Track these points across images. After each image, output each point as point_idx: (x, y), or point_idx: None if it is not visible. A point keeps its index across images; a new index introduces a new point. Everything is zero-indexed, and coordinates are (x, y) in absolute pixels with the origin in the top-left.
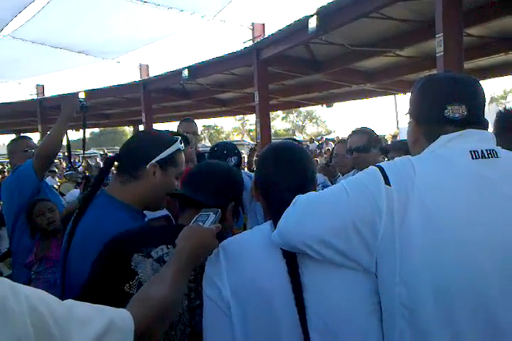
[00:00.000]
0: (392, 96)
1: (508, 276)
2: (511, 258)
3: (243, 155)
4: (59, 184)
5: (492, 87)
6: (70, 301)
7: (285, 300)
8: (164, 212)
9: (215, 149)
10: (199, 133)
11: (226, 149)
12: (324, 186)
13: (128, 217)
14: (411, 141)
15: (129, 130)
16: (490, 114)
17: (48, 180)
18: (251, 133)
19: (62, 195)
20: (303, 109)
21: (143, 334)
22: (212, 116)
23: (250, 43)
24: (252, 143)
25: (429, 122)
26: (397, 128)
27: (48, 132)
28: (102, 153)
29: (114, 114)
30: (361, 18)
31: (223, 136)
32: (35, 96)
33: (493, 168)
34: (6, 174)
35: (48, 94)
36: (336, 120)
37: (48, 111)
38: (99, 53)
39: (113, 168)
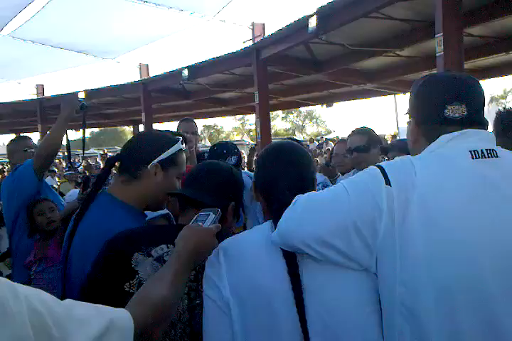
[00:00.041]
0: (392, 96)
1: (509, 276)
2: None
3: (243, 155)
4: (58, 184)
5: (492, 87)
6: (69, 301)
7: (285, 300)
8: (164, 210)
9: (214, 148)
10: (199, 133)
11: (226, 149)
12: (324, 186)
13: (129, 216)
14: (411, 140)
15: (129, 130)
16: (490, 114)
17: (48, 180)
18: (251, 133)
19: (62, 195)
20: (303, 109)
21: (142, 334)
22: (212, 116)
23: (250, 43)
24: (252, 143)
25: (429, 122)
26: (397, 128)
27: (48, 132)
28: (101, 152)
29: (114, 113)
30: (361, 17)
31: (223, 135)
32: (35, 96)
33: (493, 168)
34: (5, 174)
35: (47, 93)
36: (336, 120)
37: (48, 111)
38: (99, 53)
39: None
